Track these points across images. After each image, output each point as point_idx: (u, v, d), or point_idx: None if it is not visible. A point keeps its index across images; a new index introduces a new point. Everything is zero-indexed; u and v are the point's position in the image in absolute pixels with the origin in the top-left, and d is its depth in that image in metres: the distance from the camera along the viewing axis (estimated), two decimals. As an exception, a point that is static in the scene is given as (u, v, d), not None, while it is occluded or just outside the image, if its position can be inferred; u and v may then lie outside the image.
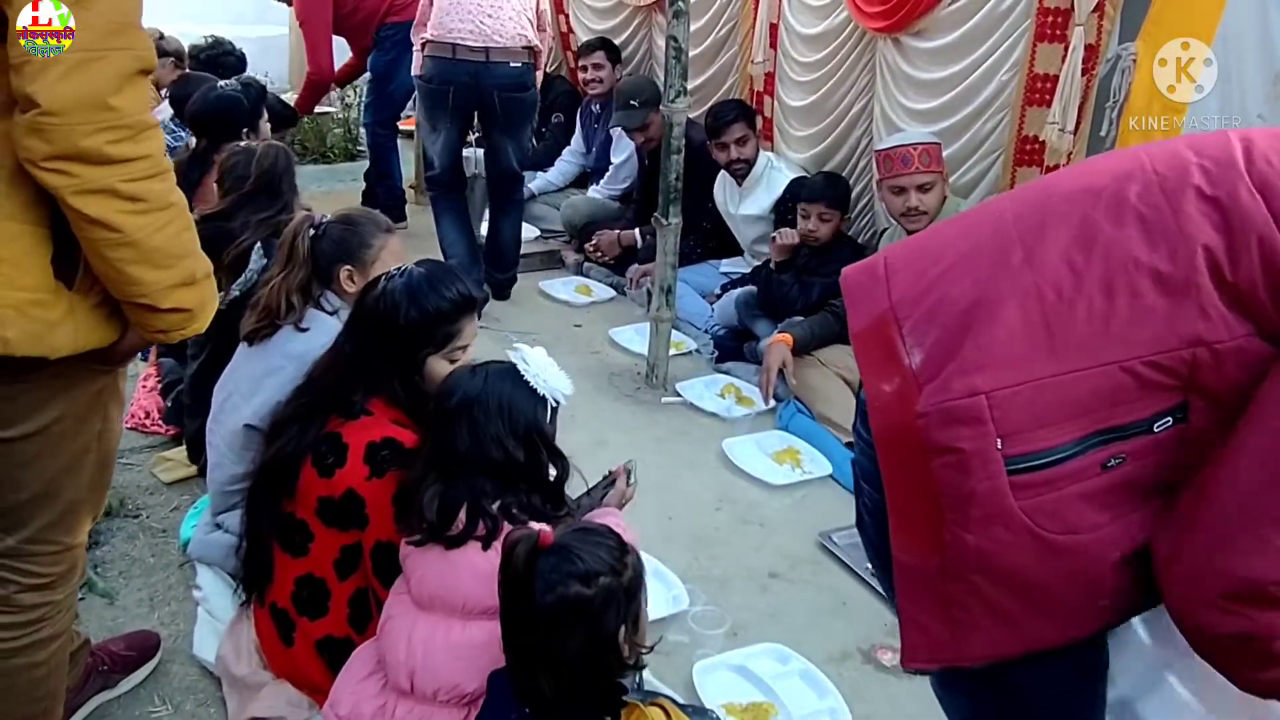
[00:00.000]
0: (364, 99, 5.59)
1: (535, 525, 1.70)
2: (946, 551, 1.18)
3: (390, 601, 1.97)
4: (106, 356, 1.60)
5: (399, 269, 2.14)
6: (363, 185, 5.76)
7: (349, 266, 2.44)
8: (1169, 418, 1.12)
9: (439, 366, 2.13)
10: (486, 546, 1.83)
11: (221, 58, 4.98)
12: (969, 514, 1.15)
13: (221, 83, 3.52)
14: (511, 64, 4.29)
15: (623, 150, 5.28)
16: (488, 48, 4.22)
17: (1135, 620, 1.28)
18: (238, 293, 2.80)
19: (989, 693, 1.35)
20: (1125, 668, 1.28)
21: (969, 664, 1.23)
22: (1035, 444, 1.13)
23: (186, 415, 3.07)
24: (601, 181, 5.43)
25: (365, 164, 5.96)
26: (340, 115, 6.92)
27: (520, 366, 1.91)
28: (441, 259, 4.12)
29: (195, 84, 3.82)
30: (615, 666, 1.61)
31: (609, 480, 2.22)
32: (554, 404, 1.92)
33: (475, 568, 1.82)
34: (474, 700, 1.80)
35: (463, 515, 1.84)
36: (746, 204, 4.52)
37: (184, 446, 3.12)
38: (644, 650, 1.66)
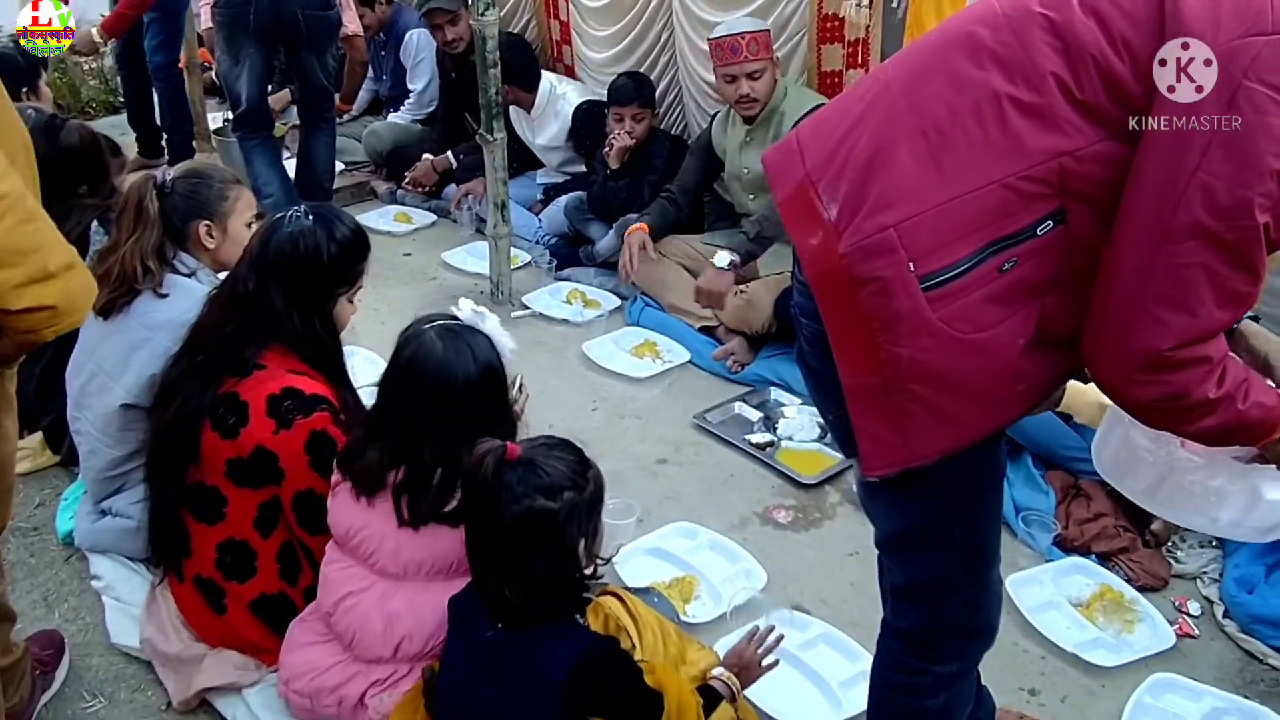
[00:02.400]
0: (151, 38, 5.07)
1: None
2: (884, 368, 1.37)
3: (338, 579, 1.94)
4: None
5: (294, 212, 2.09)
6: (131, 136, 5.37)
7: (207, 221, 2.35)
8: (1049, 221, 1.30)
9: (344, 307, 2.14)
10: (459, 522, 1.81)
11: None
12: (898, 331, 1.34)
13: (-3, 43, 3.22)
14: None
15: (421, 76, 5.16)
16: None
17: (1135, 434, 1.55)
18: None
19: (914, 496, 1.53)
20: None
21: (920, 463, 1.42)
22: (941, 261, 1.32)
23: (40, 408, 2.88)
24: (404, 108, 5.28)
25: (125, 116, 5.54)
26: (93, 65, 6.34)
27: (482, 328, 1.88)
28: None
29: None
30: (575, 576, 1.68)
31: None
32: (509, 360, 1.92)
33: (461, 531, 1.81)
34: None
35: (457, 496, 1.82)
36: (541, 135, 4.55)
37: (38, 435, 2.93)
38: (602, 561, 1.74)
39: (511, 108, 4.52)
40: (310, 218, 2.07)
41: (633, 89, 3.99)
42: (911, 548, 1.60)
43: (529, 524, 1.58)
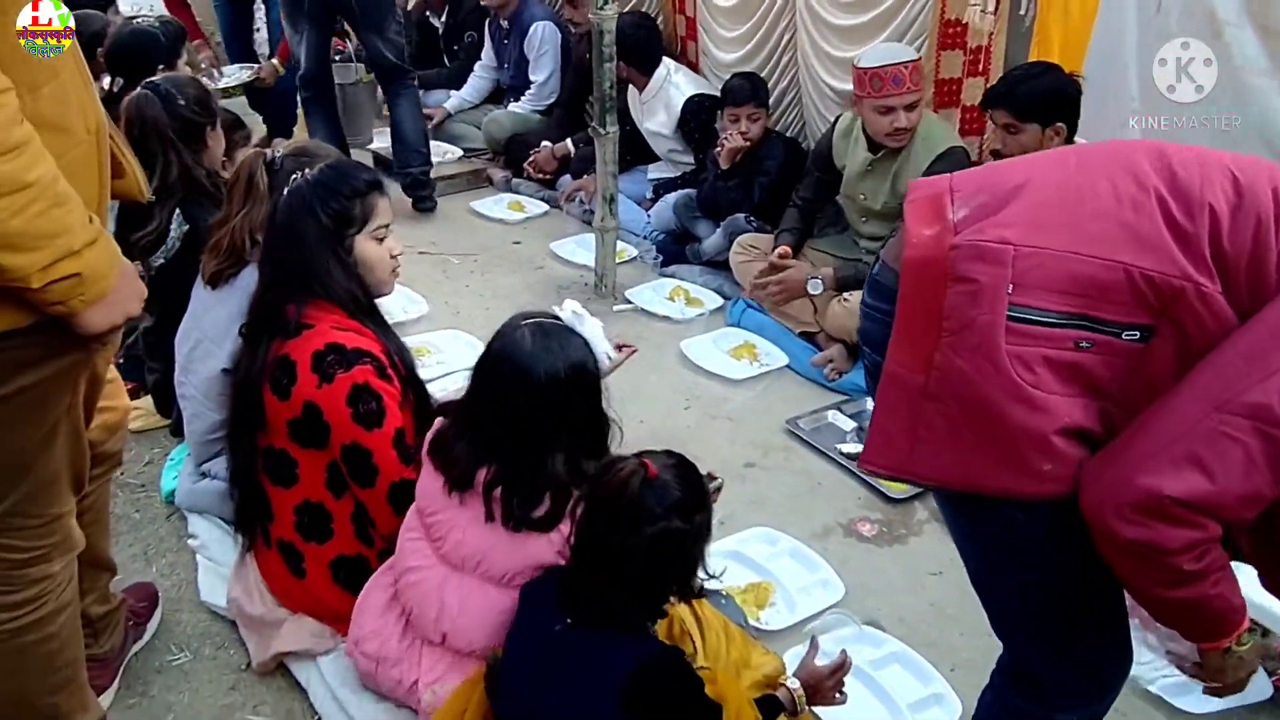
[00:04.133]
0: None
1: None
2: (934, 371, 1.36)
3: (409, 550, 1.96)
4: (74, 335, 1.49)
5: (298, 175, 2.14)
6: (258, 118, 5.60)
7: (314, 197, 2.42)
8: (1137, 332, 1.30)
9: (368, 247, 2.16)
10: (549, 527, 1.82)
11: None
12: (964, 340, 1.33)
13: (138, 19, 3.39)
14: None
15: (544, 67, 5.22)
16: None
17: None
18: (162, 260, 2.78)
19: (983, 521, 1.51)
20: None
21: (915, 479, 1.44)
22: (1037, 301, 1.31)
23: (147, 370, 3.03)
24: (525, 98, 5.35)
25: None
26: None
27: (579, 329, 1.85)
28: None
29: (93, 22, 3.65)
30: (689, 588, 1.67)
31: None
32: (602, 366, 1.88)
33: (528, 549, 1.82)
34: None
35: (546, 501, 1.81)
36: (649, 120, 4.54)
37: (149, 398, 3.07)
38: (711, 576, 1.71)
39: (629, 88, 4.53)
40: (304, 178, 2.11)
41: (749, 90, 3.95)
42: (981, 589, 1.60)
43: (664, 544, 1.57)
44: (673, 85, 4.39)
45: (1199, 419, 1.24)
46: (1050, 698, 1.60)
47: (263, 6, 5.43)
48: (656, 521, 1.55)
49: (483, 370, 1.86)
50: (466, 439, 1.86)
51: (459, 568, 1.89)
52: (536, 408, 1.79)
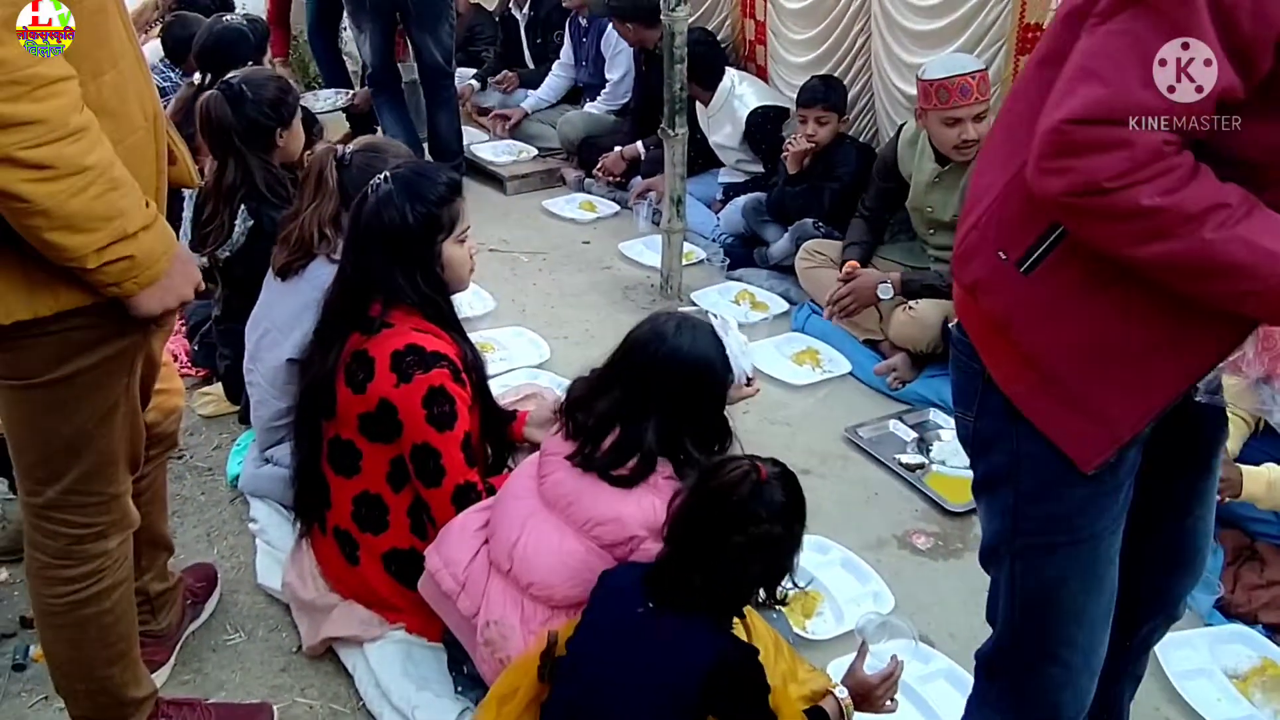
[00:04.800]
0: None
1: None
2: (1032, 368, 1.33)
3: (516, 482, 2.01)
4: (130, 317, 1.54)
5: (374, 181, 2.14)
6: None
7: (379, 193, 2.46)
8: None
9: (455, 250, 2.19)
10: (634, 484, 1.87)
11: None
12: (1019, 324, 1.31)
13: (228, 17, 3.50)
14: None
15: (619, 66, 5.22)
16: None
17: None
18: (228, 253, 2.86)
19: (983, 515, 1.54)
20: None
21: (1128, 438, 1.30)
22: (1028, 239, 1.27)
23: (219, 356, 3.12)
24: (599, 98, 5.36)
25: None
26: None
27: (721, 335, 1.91)
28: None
29: (193, 24, 3.78)
30: (773, 593, 1.69)
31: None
32: (734, 378, 1.93)
33: (614, 503, 1.86)
34: (559, 608, 1.87)
35: (633, 462, 1.87)
36: (716, 133, 4.52)
37: (220, 384, 3.17)
38: (797, 586, 1.73)
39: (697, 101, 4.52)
40: (395, 184, 2.11)
41: (820, 91, 3.90)
42: (986, 563, 1.61)
43: (763, 547, 1.60)
44: (737, 99, 4.36)
45: (1082, 45, 1.12)
46: (1034, 682, 1.56)
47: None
48: (760, 524, 1.58)
49: (627, 337, 1.95)
50: (601, 395, 1.93)
51: (551, 505, 1.93)
52: (647, 377, 1.88)
